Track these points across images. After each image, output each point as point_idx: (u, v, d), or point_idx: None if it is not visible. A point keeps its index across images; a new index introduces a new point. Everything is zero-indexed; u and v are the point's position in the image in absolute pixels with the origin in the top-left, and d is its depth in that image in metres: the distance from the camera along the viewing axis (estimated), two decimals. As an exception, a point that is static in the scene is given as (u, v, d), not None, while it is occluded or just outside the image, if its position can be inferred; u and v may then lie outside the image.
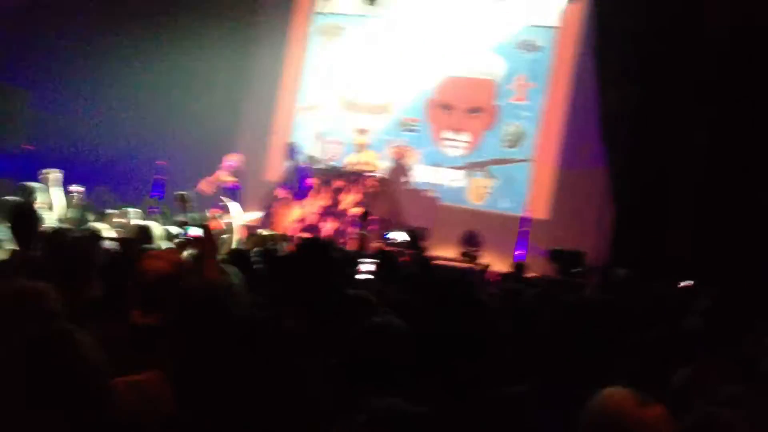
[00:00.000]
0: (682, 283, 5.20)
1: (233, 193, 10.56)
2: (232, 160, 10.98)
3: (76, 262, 3.21)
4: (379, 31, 13.76)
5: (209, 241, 3.18)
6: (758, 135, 8.18)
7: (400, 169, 12.76)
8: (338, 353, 2.30)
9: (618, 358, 3.14)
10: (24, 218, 4.20)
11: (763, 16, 8.08)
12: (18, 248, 4.12)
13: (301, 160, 11.47)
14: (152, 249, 3.70)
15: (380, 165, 12.04)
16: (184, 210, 4.82)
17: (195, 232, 3.73)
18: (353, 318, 2.63)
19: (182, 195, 7.51)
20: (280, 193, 11.28)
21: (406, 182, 12.65)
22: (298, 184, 10.97)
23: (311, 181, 11.22)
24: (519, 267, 8.04)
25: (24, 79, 11.64)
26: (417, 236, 4.32)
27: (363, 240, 5.80)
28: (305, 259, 3.30)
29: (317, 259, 3.20)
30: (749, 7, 8.28)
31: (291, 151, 11.45)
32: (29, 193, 5.52)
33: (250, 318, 2.19)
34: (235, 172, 10.76)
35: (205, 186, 11.01)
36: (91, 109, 12.20)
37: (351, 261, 4.42)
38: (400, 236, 4.47)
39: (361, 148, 12.02)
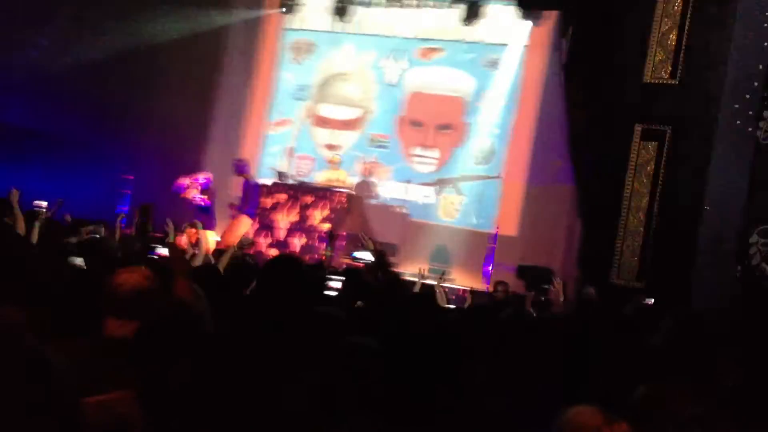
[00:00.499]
0: (646, 301, 5.28)
1: (204, 210, 10.51)
2: (201, 177, 10.95)
3: (39, 279, 3.16)
4: (350, 47, 13.82)
5: (178, 260, 3.15)
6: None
7: (369, 185, 12.79)
8: (311, 372, 2.30)
9: (586, 375, 3.18)
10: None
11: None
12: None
13: (251, 175, 11.41)
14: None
15: (349, 182, 12.07)
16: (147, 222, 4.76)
17: (162, 251, 3.69)
18: (323, 336, 2.63)
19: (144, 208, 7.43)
20: (231, 209, 11.26)
21: (375, 198, 12.69)
22: (247, 199, 10.93)
23: (261, 197, 11.20)
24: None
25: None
26: (383, 255, 4.33)
27: (329, 259, 5.79)
28: (276, 275, 3.29)
29: (287, 275, 3.20)
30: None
31: (239, 167, 11.40)
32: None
33: (220, 335, 2.18)
34: (206, 191, 10.73)
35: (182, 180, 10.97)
36: (60, 127, 12.06)
37: (320, 277, 4.43)
38: (366, 255, 4.48)
39: (333, 165, 12.01)
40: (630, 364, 3.28)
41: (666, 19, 8.83)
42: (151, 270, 3.36)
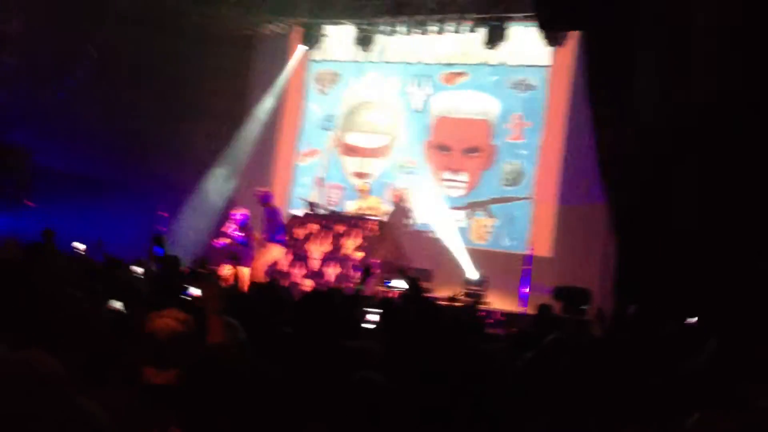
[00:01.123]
0: (688, 320, 5.16)
1: (242, 245, 10.60)
2: (238, 214, 11.07)
3: (77, 323, 3.19)
4: (374, 76, 13.92)
5: (210, 299, 3.15)
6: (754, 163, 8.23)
7: (402, 212, 12.79)
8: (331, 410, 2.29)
9: (629, 399, 3.12)
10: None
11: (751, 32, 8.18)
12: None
13: (273, 203, 11.43)
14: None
15: (383, 209, 12.07)
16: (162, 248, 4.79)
17: (195, 291, 3.70)
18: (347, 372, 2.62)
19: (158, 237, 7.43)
20: (257, 235, 11.28)
21: (409, 225, 12.68)
22: (273, 226, 10.93)
23: (293, 228, 11.24)
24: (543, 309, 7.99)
25: (24, 137, 11.77)
26: (417, 283, 4.31)
27: (362, 291, 5.81)
28: (310, 312, 3.29)
29: (322, 311, 3.20)
30: (736, 33, 8.39)
31: (262, 197, 11.44)
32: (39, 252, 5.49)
33: (257, 378, 2.18)
34: (242, 227, 10.84)
35: (217, 242, 11.12)
36: (95, 167, 12.29)
37: (355, 311, 4.43)
38: (400, 283, 4.47)
39: (363, 193, 11.99)
40: (674, 387, 3.21)
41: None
42: (185, 311, 3.39)
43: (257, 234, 10.99)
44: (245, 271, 10.22)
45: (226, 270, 10.26)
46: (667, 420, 2.88)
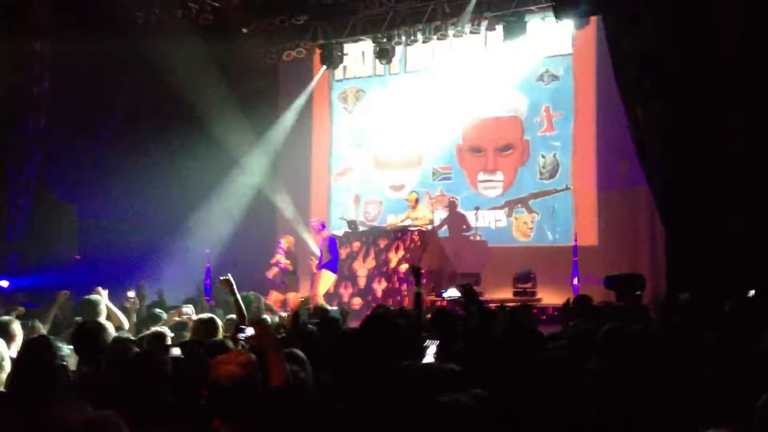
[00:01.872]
0: (749, 294, 5.04)
1: (290, 274, 10.70)
2: (282, 242, 11.19)
3: (142, 376, 3.24)
4: (398, 87, 13.93)
5: (266, 337, 3.12)
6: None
7: (457, 217, 12.79)
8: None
9: (696, 387, 3.05)
10: (88, 335, 4.25)
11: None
12: (84, 367, 4.17)
13: (327, 231, 11.56)
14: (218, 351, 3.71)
15: (432, 217, 12.05)
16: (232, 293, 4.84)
17: (250, 330, 3.70)
18: (422, 394, 2.59)
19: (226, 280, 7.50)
20: (312, 264, 11.37)
21: (469, 229, 12.64)
22: (327, 254, 10.98)
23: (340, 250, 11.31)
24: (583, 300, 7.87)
25: (70, 193, 12.06)
26: (471, 290, 4.27)
27: (420, 297, 5.77)
28: (371, 337, 3.26)
29: (383, 336, 3.17)
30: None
31: (316, 226, 11.55)
32: (93, 307, 5.57)
33: (325, 419, 2.16)
34: (288, 254, 10.94)
35: (270, 274, 11.25)
36: (135, 212, 12.51)
37: (416, 327, 4.40)
38: (454, 292, 4.45)
39: (411, 203, 11.93)
40: (740, 367, 3.13)
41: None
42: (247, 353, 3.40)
43: (314, 260, 11.07)
44: (292, 297, 10.28)
45: (273, 297, 10.34)
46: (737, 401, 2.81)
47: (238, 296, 4.82)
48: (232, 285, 4.89)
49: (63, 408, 2.87)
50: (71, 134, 11.91)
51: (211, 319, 4.79)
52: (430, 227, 11.59)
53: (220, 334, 4.69)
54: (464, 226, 12.70)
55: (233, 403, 2.57)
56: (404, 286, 10.93)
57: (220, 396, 2.59)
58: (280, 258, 10.77)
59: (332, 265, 10.94)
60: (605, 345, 3.63)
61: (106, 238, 12.13)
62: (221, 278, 4.98)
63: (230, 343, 4.03)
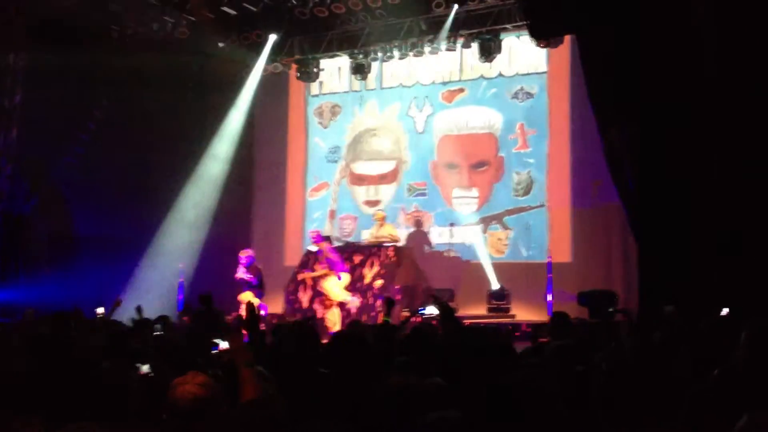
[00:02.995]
0: (722, 312, 5.08)
1: (255, 287, 10.59)
2: (243, 256, 11.09)
3: (108, 395, 3.17)
4: (373, 103, 13.98)
5: (239, 351, 3.09)
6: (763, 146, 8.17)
7: (421, 235, 12.84)
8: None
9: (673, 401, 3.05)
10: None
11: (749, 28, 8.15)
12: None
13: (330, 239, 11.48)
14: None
15: (397, 234, 12.06)
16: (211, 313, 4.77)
17: (224, 344, 3.65)
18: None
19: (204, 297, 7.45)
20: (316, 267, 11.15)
21: (430, 247, 12.70)
22: (337, 258, 10.86)
23: (310, 264, 11.24)
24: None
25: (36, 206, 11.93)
26: (448, 307, 4.27)
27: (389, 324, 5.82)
28: (342, 355, 3.25)
29: (354, 353, 3.15)
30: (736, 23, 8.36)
31: (316, 238, 11.46)
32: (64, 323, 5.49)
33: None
34: (249, 267, 10.85)
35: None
36: (107, 227, 12.36)
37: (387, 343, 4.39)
38: (432, 309, 4.43)
39: (379, 220, 11.93)
40: (717, 384, 3.14)
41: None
42: (217, 368, 3.36)
43: (317, 267, 10.91)
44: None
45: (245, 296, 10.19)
46: (716, 421, 2.82)
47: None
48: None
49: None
50: (43, 147, 11.79)
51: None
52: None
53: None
54: (426, 245, 12.77)
55: (192, 425, 2.54)
56: (378, 302, 10.89)
57: (179, 418, 2.56)
58: (241, 272, 10.71)
59: (344, 267, 10.82)
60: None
61: (79, 252, 11.99)
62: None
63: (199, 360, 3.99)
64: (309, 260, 11.50)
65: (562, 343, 4.15)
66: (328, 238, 11.79)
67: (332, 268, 10.68)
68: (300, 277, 11.23)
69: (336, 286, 10.57)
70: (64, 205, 12.27)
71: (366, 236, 12.49)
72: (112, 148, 12.19)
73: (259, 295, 10.40)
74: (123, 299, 8.04)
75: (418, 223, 13.08)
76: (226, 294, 10.63)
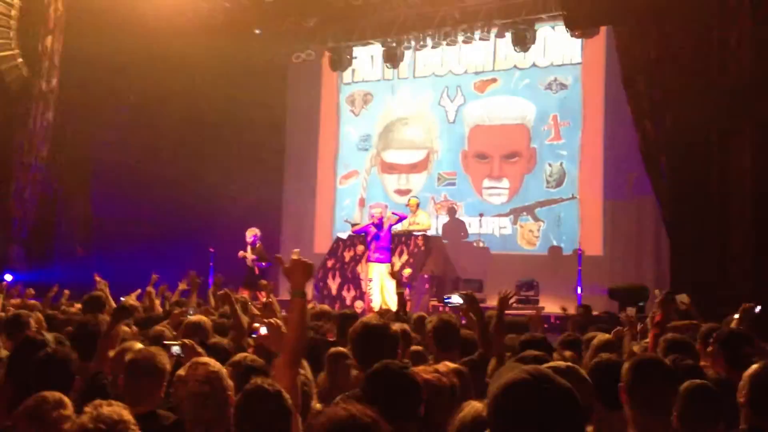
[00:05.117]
0: (756, 309, 4.98)
1: (262, 268, 10.67)
2: (251, 234, 11.15)
3: (143, 375, 3.20)
4: (405, 92, 13.95)
5: (276, 339, 3.06)
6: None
7: (454, 224, 12.78)
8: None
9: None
10: (88, 336, 4.21)
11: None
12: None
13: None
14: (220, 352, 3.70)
15: (431, 223, 12.03)
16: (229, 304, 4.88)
17: (263, 330, 3.67)
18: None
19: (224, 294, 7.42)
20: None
21: (465, 236, 12.63)
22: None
23: (339, 252, 11.26)
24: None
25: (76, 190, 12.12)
26: (473, 298, 4.26)
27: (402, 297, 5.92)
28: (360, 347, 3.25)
29: (378, 345, 3.15)
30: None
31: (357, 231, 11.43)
32: (98, 304, 5.57)
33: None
34: (254, 247, 10.94)
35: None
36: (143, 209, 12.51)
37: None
38: (457, 299, 4.44)
39: (412, 208, 11.83)
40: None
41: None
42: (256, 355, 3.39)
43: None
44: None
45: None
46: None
47: (236, 307, 4.85)
48: (230, 297, 4.95)
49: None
50: (79, 130, 11.96)
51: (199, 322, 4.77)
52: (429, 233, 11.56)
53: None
54: (462, 233, 12.70)
55: (201, 418, 2.60)
56: (407, 291, 10.90)
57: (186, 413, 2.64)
58: (248, 255, 10.79)
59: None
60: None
61: (109, 234, 12.13)
62: (219, 293, 5.05)
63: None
64: (338, 247, 11.56)
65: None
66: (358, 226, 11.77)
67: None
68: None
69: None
70: (98, 188, 12.44)
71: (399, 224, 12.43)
72: (145, 132, 12.32)
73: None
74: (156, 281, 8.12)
75: (452, 212, 13.02)
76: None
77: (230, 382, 2.74)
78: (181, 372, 2.77)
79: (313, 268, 2.88)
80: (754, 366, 2.86)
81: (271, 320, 2.95)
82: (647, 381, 2.58)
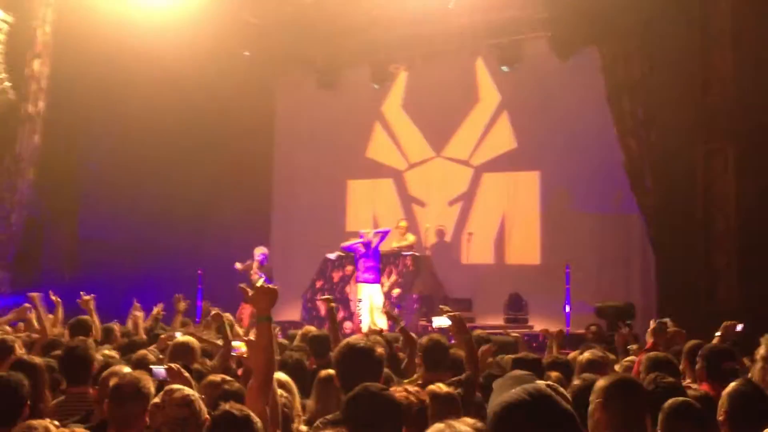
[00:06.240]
0: (738, 327, 5.02)
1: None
2: (259, 252, 11.17)
3: (128, 400, 3.20)
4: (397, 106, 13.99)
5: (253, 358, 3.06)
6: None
7: (442, 246, 12.80)
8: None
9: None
10: (77, 359, 4.19)
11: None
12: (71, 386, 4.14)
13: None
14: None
15: (420, 243, 12.06)
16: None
17: (241, 348, 3.66)
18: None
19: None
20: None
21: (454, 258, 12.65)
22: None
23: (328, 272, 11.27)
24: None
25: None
26: (460, 319, 4.25)
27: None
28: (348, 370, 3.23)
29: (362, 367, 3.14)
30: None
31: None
32: (84, 327, 5.55)
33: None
34: (263, 266, 10.94)
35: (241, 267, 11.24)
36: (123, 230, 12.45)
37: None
38: (444, 321, 4.44)
39: (400, 230, 11.83)
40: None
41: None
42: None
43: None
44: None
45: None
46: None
47: (227, 330, 4.87)
48: (221, 319, 4.97)
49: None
50: (66, 154, 11.93)
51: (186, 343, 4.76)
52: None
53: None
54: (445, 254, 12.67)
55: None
56: (396, 311, 10.88)
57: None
58: (255, 267, 10.81)
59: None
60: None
61: (97, 257, 12.05)
62: (212, 313, 5.08)
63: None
64: (327, 268, 11.56)
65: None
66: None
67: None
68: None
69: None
70: (85, 212, 12.39)
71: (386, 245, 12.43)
72: (132, 155, 12.29)
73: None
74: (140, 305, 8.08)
75: (441, 234, 13.00)
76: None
77: (203, 406, 2.76)
78: (156, 400, 2.78)
79: (277, 293, 2.91)
80: (733, 384, 2.88)
81: (251, 338, 2.97)
82: (620, 401, 2.57)
